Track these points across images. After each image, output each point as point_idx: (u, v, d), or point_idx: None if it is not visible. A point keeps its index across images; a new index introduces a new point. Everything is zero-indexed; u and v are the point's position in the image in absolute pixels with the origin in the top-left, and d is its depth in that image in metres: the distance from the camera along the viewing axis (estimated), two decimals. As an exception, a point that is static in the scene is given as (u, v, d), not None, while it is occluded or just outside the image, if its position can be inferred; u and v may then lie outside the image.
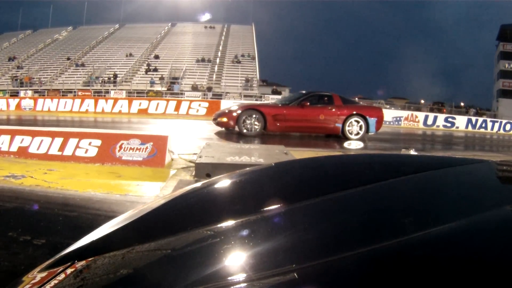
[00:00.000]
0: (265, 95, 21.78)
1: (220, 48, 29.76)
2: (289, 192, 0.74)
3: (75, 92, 21.68)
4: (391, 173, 0.76)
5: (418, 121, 17.27)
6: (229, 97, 21.00)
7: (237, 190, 0.81)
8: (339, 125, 7.37)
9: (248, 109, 7.26)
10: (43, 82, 24.74)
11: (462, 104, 33.09)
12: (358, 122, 7.44)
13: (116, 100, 17.18)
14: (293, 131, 7.71)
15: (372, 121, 7.44)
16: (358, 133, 7.43)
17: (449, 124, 17.55)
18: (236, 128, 7.23)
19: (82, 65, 26.71)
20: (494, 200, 0.64)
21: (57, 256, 0.61)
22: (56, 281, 0.52)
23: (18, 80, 25.13)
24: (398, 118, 17.06)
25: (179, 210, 0.73)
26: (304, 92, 8.00)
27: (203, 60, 27.21)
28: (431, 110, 22.73)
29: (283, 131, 7.56)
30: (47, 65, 27.33)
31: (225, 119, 7.27)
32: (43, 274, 0.56)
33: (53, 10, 39.77)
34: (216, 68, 26.56)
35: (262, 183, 0.82)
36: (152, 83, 23.44)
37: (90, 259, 0.57)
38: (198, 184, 0.89)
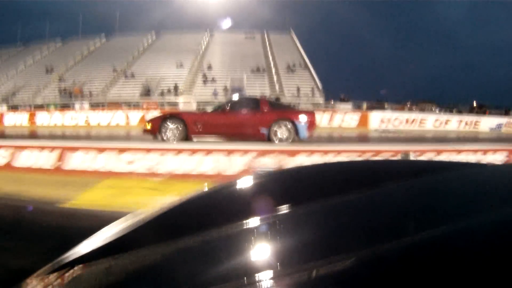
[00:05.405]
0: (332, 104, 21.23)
1: (270, 57, 28.99)
2: (295, 196, 0.75)
3: (135, 104, 20.56)
4: (389, 179, 0.78)
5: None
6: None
7: (244, 194, 0.85)
8: (265, 130, 7.12)
9: (168, 116, 7.20)
10: (93, 94, 23.56)
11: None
12: (284, 126, 7.18)
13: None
14: (215, 136, 7.41)
15: (300, 125, 7.17)
16: (287, 139, 7.15)
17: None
18: (159, 136, 7.06)
19: (132, 76, 25.64)
20: (491, 204, 0.63)
21: (55, 261, 0.62)
22: (54, 286, 0.54)
23: (67, 92, 23.89)
24: (499, 125, 17.05)
25: (188, 213, 0.75)
26: (233, 98, 8.16)
27: (258, 69, 26.32)
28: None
29: (205, 136, 7.32)
30: (92, 76, 26.27)
31: (148, 127, 7.16)
32: (42, 279, 0.58)
33: (80, 20, 38.48)
34: (275, 78, 25.70)
35: (270, 188, 0.84)
36: (216, 94, 22.40)
37: (89, 263, 0.59)
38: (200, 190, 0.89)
